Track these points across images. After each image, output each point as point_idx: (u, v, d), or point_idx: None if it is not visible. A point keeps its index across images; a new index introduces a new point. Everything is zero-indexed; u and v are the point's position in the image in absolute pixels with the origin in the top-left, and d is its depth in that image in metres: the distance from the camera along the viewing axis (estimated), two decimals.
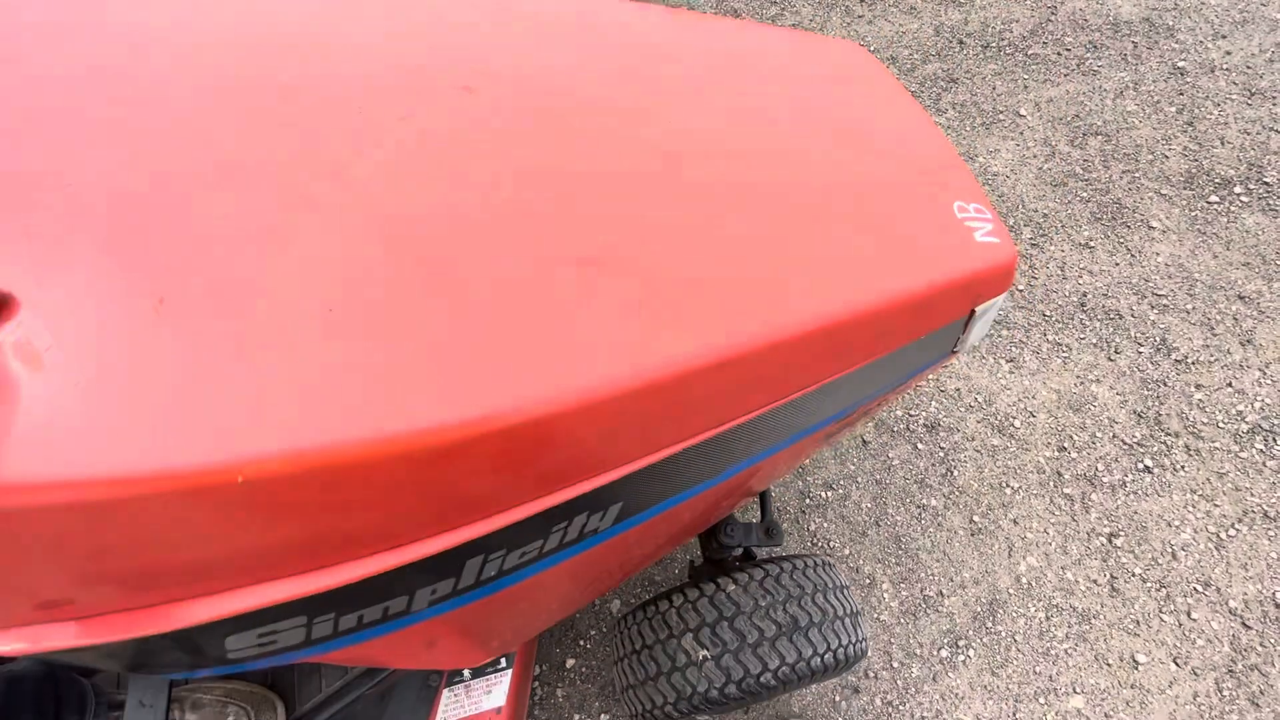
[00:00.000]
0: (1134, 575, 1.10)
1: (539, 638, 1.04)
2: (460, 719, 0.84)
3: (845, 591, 0.83)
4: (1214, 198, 1.55)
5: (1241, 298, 1.40)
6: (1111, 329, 1.39)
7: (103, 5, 0.46)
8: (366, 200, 0.40)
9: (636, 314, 0.41)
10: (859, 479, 1.23)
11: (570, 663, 1.06)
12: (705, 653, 0.74)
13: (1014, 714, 0.99)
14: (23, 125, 0.38)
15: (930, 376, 1.29)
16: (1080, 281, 1.48)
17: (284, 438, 0.31)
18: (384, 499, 0.35)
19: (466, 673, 0.86)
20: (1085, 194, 1.59)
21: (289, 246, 0.36)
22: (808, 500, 1.21)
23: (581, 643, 1.07)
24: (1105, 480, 1.21)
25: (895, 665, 1.04)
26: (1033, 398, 1.33)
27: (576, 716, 1.02)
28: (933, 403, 1.32)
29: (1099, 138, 1.68)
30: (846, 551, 1.16)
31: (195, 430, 0.30)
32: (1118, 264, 1.48)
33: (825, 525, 1.19)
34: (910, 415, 1.30)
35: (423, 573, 0.40)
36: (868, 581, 1.13)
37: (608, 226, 0.44)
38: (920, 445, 1.27)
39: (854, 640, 0.79)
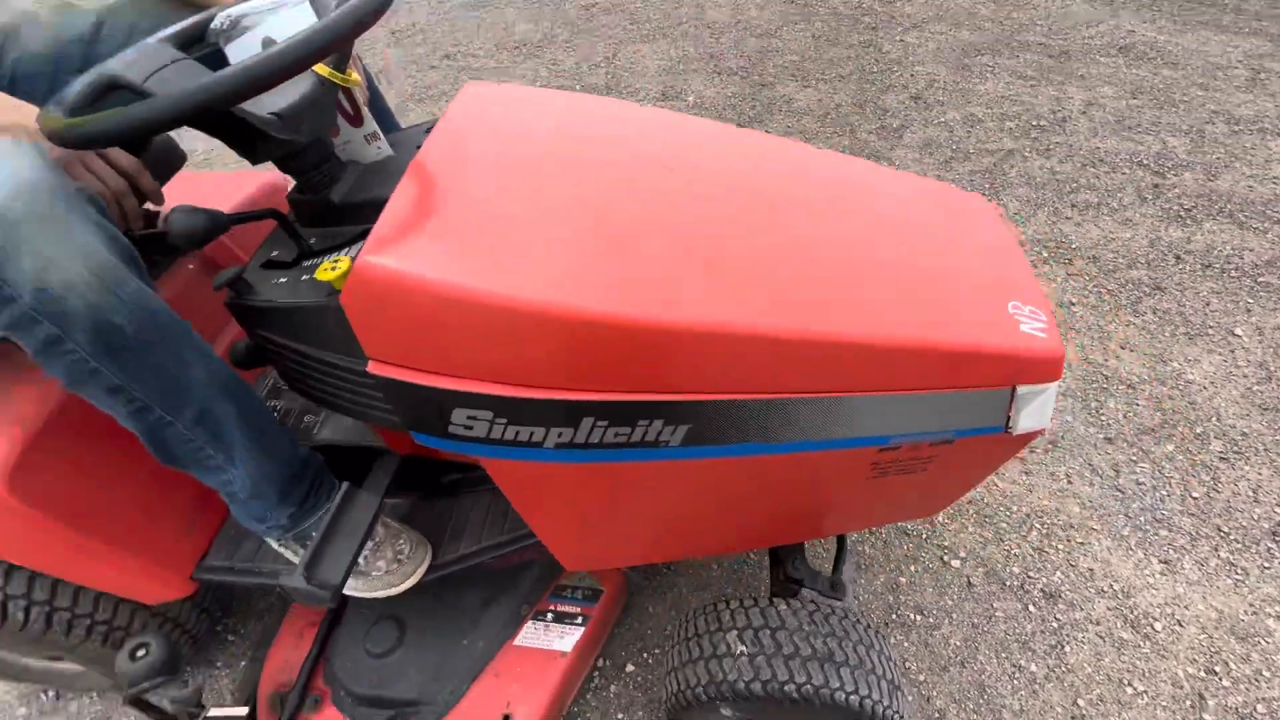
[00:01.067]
0: None
1: (612, 637, 1.19)
2: (533, 647, 1.02)
3: (890, 661, 0.88)
4: None
5: None
6: None
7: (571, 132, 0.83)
8: (676, 214, 0.70)
9: (755, 298, 0.64)
10: (954, 615, 1.22)
11: (630, 668, 1.18)
12: (743, 648, 0.85)
13: None
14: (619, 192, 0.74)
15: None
16: (1277, 510, 1.34)
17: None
18: (574, 352, 0.61)
19: (549, 614, 1.05)
20: None
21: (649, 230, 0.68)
22: (894, 616, 1.23)
23: (644, 655, 1.19)
24: None
25: None
26: (1185, 607, 1.21)
27: (620, 715, 1.12)
28: (1057, 573, 1.27)
29: None
30: (922, 678, 1.14)
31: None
32: None
33: (905, 645, 1.19)
34: (1028, 576, 1.27)
35: (558, 412, 0.65)
36: (936, 715, 1.10)
37: (773, 256, 0.69)
38: (1033, 609, 1.22)
39: (886, 704, 0.83)
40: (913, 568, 1.29)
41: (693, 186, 0.77)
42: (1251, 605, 1.21)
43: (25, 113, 0.65)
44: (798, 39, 3.22)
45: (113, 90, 0.61)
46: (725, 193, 0.77)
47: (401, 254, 0.61)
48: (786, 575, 0.96)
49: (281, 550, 0.92)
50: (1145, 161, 2.30)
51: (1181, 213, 2.08)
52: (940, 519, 1.37)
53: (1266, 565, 1.26)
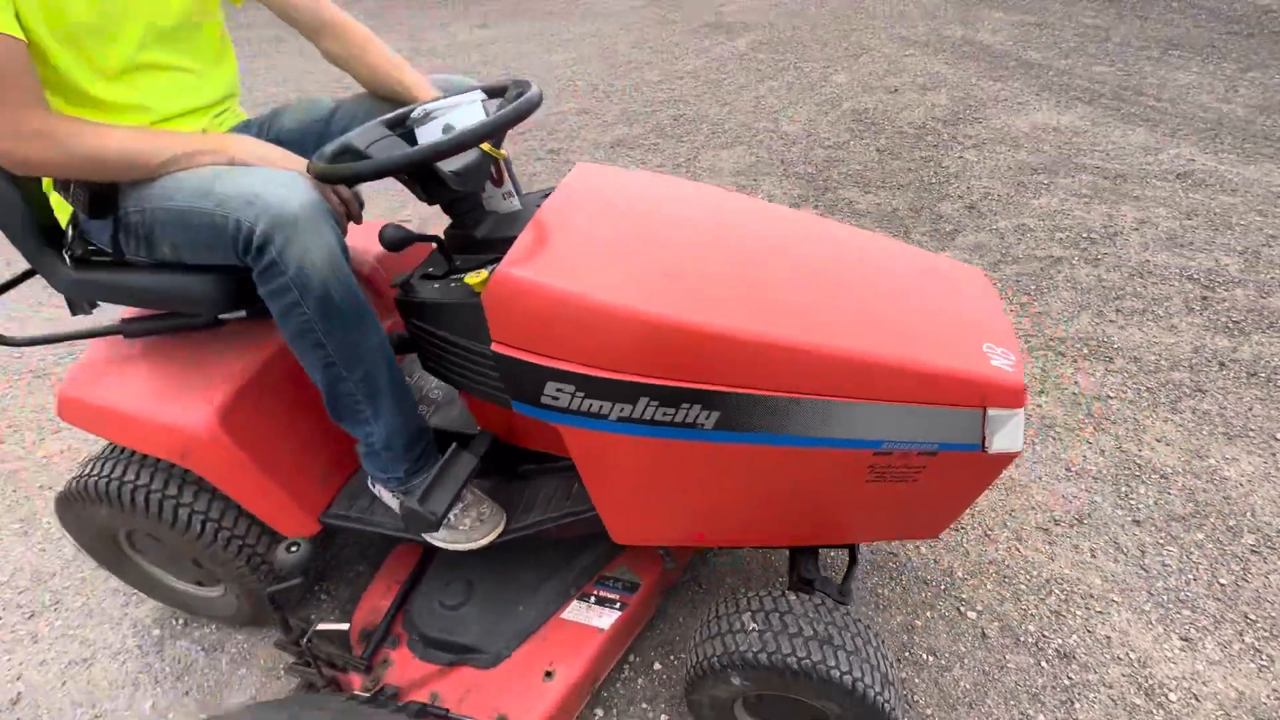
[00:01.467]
0: None
1: (642, 637, 1.33)
2: (576, 621, 1.19)
3: (885, 659, 1.00)
4: None
5: None
6: None
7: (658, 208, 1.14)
8: (726, 256, 0.95)
9: (776, 317, 0.86)
10: (967, 661, 1.29)
11: (657, 666, 1.31)
12: (755, 626, 1.00)
13: None
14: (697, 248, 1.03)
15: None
16: None
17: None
18: (646, 348, 0.85)
19: (592, 597, 1.23)
20: None
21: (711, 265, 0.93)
22: (907, 654, 1.31)
23: (671, 657, 1.32)
24: None
25: None
26: (1204, 684, 1.24)
27: (644, 705, 1.25)
28: (1073, 636, 1.33)
29: None
30: (929, 712, 1.22)
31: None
32: None
33: (916, 682, 1.27)
34: (1044, 635, 1.33)
35: (622, 390, 0.87)
36: None
37: (793, 289, 0.92)
38: (1045, 664, 1.28)
39: (878, 691, 0.95)
40: (929, 613, 1.38)
41: (740, 237, 1.02)
42: (1275, 690, 1.22)
43: (296, 161, 0.99)
44: (863, 151, 3.55)
45: (348, 152, 0.93)
46: (762, 243, 1.02)
47: (527, 268, 0.88)
48: (800, 576, 1.10)
49: (391, 504, 1.15)
50: (1195, 276, 2.40)
51: (1229, 324, 2.15)
52: (960, 574, 1.45)
53: None
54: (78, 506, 1.18)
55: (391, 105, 1.18)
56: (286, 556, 0.94)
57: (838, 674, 0.94)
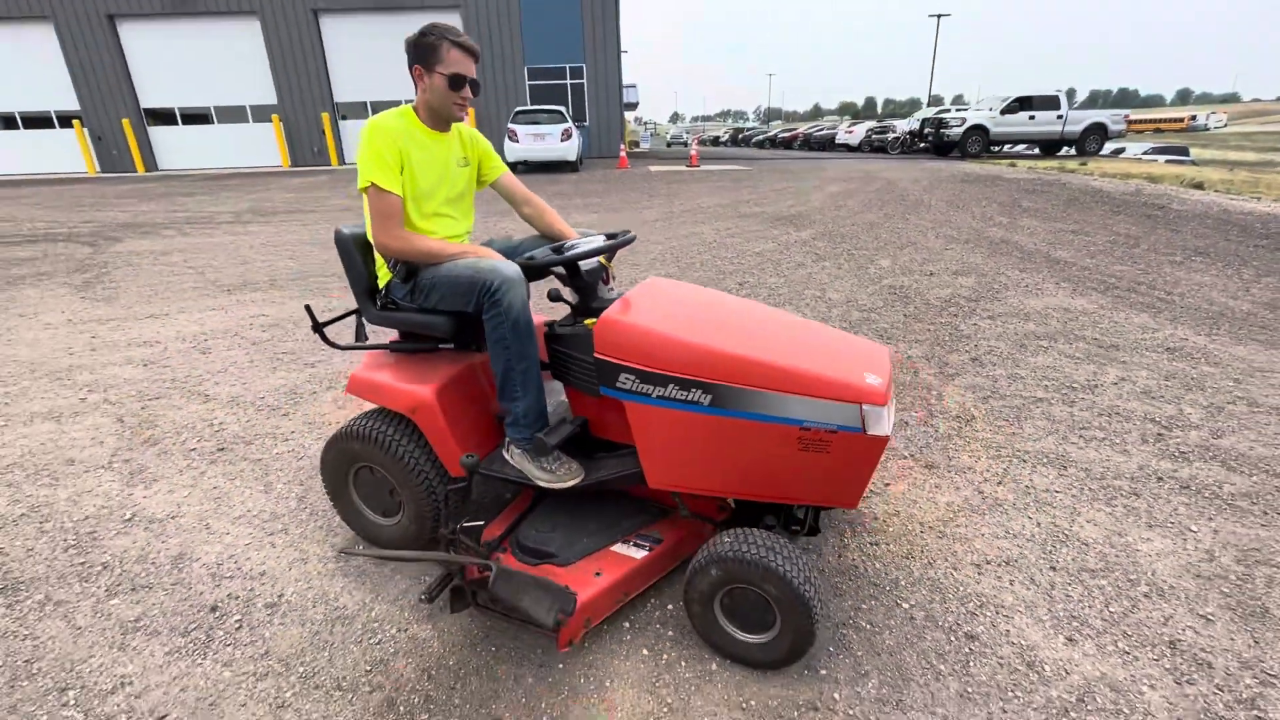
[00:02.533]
0: None
1: (660, 589, 1.91)
2: (619, 552, 1.83)
3: (810, 567, 1.57)
4: None
5: None
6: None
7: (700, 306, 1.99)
8: (728, 319, 1.76)
9: (747, 346, 1.62)
10: (895, 632, 1.77)
11: (670, 608, 1.87)
12: (728, 539, 1.62)
13: None
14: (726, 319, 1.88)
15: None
16: (1181, 632, 1.74)
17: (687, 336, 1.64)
18: (691, 364, 1.63)
19: (631, 542, 1.86)
20: None
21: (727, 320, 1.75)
22: (850, 621, 1.80)
23: (670, 608, 1.88)
24: None
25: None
26: (1076, 665, 1.65)
27: (659, 626, 1.80)
28: (980, 627, 1.78)
29: None
30: (860, 654, 1.70)
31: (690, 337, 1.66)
32: None
33: (854, 637, 1.75)
34: (957, 623, 1.79)
35: (660, 380, 1.63)
36: (863, 674, 1.64)
37: (757, 336, 1.69)
38: (954, 640, 1.74)
39: (807, 589, 1.52)
40: (873, 602, 1.87)
41: (736, 309, 1.81)
42: (1131, 675, 1.61)
43: (507, 261, 1.91)
44: (892, 315, 4.34)
45: (532, 262, 1.84)
46: (749, 313, 1.80)
47: (615, 316, 1.70)
48: (764, 522, 1.71)
49: (520, 465, 1.89)
50: (1158, 419, 2.88)
51: (1177, 454, 2.60)
52: (903, 584, 1.95)
53: (1155, 659, 1.66)
54: (342, 442, 2.00)
55: (552, 240, 2.13)
56: (467, 460, 1.70)
57: (773, 565, 1.53)
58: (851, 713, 1.53)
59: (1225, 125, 63.96)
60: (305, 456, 2.73)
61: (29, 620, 1.86)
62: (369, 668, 1.68)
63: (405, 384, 1.94)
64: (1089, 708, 1.53)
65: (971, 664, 1.66)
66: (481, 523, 1.77)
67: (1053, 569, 1.99)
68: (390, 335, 2.18)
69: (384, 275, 2.02)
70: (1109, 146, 19.64)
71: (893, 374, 1.69)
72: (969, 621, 1.80)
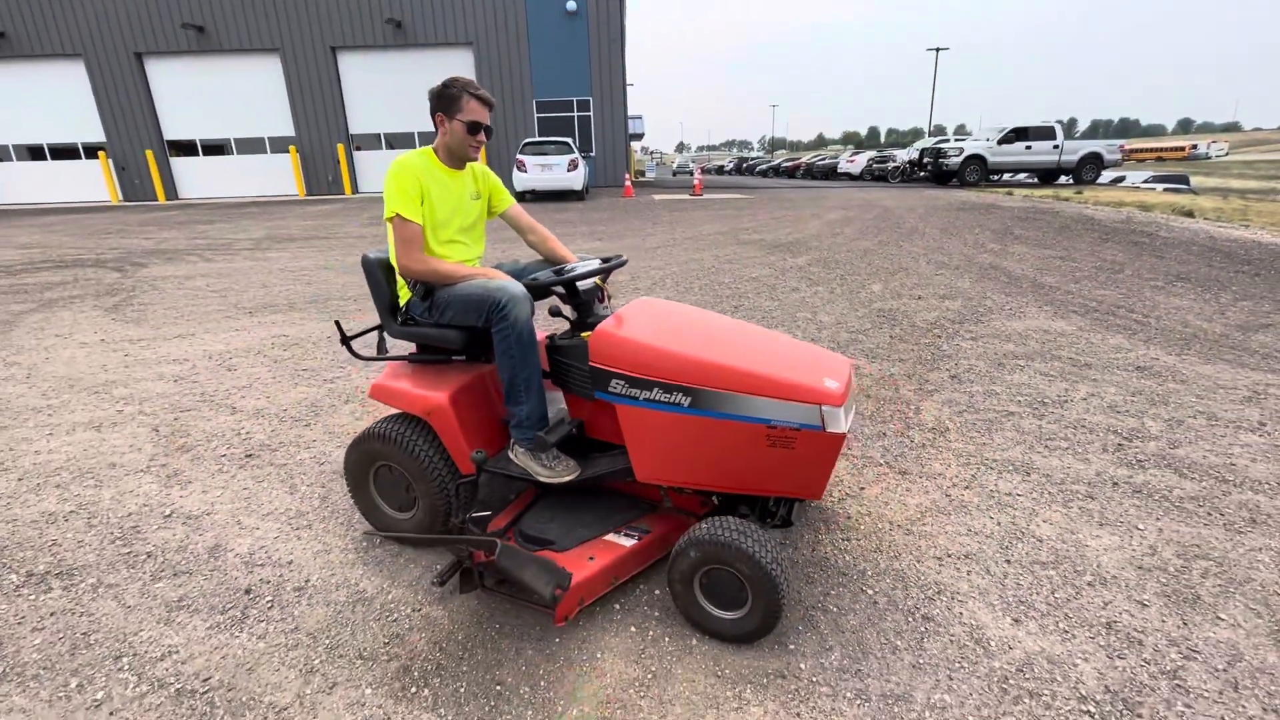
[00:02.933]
0: None
1: (648, 575, 2.12)
2: (611, 541, 2.04)
3: (778, 548, 1.78)
4: None
5: None
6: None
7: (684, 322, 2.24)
8: (705, 332, 2.00)
9: (719, 354, 1.85)
10: (859, 613, 1.96)
11: (656, 593, 2.07)
12: (705, 525, 1.83)
13: None
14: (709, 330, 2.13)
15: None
16: (1119, 614, 1.93)
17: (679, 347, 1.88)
18: (676, 372, 1.86)
19: (622, 532, 2.08)
20: None
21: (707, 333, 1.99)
22: (819, 604, 2.00)
23: (657, 592, 2.08)
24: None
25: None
26: (1019, 643, 1.84)
27: (646, 608, 2.00)
28: (936, 610, 1.97)
29: None
30: (825, 631, 1.89)
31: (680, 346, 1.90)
32: None
33: (821, 618, 1.94)
34: (916, 607, 1.98)
35: (646, 384, 1.86)
36: (828, 649, 1.83)
37: (729, 345, 1.92)
38: (912, 621, 1.93)
39: (774, 569, 1.73)
40: (840, 589, 2.07)
41: (713, 323, 2.05)
42: (1069, 650, 1.79)
43: (514, 281, 2.16)
44: (879, 337, 4.57)
45: (535, 282, 2.09)
46: (724, 326, 2.04)
47: (608, 329, 1.95)
48: (738, 511, 1.92)
49: (523, 462, 2.11)
50: (1119, 431, 3.07)
51: (1134, 462, 2.80)
52: (870, 574, 2.14)
53: (1091, 637, 1.84)
54: (365, 443, 2.24)
55: (554, 264, 2.39)
56: (477, 455, 1.93)
57: (744, 546, 1.74)
58: (815, 680, 1.72)
59: (1227, 153, 64.56)
60: (326, 462, 2.97)
61: (84, 600, 2.08)
62: (387, 641, 1.89)
63: (422, 390, 2.17)
64: (1026, 677, 1.71)
65: (926, 641, 1.85)
66: (489, 513, 1.99)
67: (1008, 562, 2.18)
68: (409, 348, 2.44)
69: (404, 295, 2.27)
70: (1110, 175, 19.99)
71: (852, 381, 1.91)
72: (926, 605, 1.99)
